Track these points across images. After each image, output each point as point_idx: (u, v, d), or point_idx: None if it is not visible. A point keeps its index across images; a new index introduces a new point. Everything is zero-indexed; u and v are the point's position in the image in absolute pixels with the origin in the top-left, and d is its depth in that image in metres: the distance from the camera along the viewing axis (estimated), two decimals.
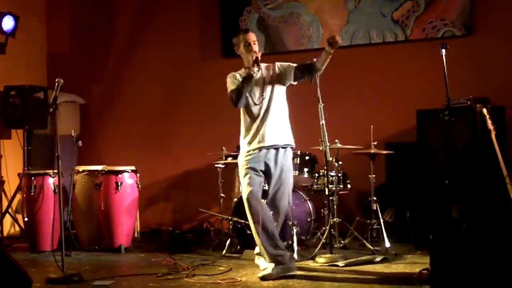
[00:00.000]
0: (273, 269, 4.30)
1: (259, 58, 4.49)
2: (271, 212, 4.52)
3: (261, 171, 4.50)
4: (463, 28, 6.11)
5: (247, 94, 4.52)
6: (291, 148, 4.64)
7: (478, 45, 6.05)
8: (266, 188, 4.60)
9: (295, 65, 4.60)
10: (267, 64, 4.68)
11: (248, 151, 4.52)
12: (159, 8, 7.36)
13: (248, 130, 4.56)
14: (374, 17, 6.46)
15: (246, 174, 4.49)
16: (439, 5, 6.21)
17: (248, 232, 5.00)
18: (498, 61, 5.96)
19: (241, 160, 4.57)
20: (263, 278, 4.27)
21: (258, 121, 4.52)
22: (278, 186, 4.53)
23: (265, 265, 4.40)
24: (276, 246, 4.39)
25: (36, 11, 7.53)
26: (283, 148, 4.56)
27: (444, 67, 4.43)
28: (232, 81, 4.56)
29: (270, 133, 4.51)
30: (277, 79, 4.60)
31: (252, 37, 4.58)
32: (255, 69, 4.46)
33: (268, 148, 4.49)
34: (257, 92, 4.56)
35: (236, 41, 4.62)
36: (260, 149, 4.47)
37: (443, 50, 4.46)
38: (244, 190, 4.48)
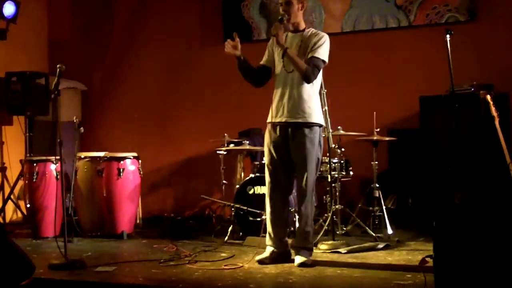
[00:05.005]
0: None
1: (284, 21, 4.22)
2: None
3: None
4: (466, 14, 6.06)
5: (278, 61, 4.33)
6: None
7: (482, 31, 6.00)
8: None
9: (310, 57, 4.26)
10: (313, 31, 4.36)
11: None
12: None
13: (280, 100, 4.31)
14: (377, 2, 6.40)
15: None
16: None
17: (250, 218, 5.01)
18: (502, 47, 5.92)
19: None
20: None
21: (287, 91, 4.28)
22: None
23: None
24: None
25: None
26: (310, 125, 4.30)
27: (449, 53, 4.39)
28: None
29: (301, 107, 4.26)
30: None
31: None
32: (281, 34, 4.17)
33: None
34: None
35: None
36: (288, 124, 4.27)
37: (448, 36, 4.42)
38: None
